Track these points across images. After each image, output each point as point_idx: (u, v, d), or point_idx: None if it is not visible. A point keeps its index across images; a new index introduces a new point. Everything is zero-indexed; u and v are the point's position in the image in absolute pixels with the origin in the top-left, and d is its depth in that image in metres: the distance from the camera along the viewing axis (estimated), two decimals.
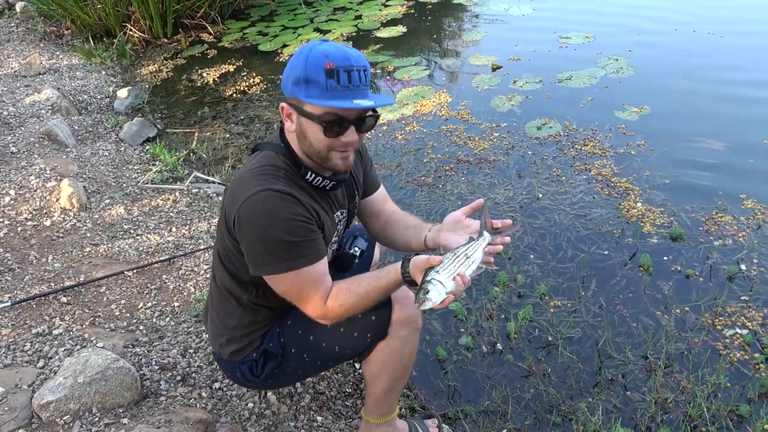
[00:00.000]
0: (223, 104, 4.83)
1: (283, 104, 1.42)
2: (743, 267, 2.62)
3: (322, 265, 1.44)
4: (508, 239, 1.43)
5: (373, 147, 3.93)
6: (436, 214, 3.18)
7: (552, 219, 3.06)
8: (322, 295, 1.44)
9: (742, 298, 2.47)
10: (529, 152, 3.66)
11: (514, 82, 4.58)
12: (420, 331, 1.62)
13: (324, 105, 1.33)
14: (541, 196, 3.24)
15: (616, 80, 4.43)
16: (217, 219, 3.12)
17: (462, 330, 2.48)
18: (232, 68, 5.49)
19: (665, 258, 2.73)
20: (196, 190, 3.46)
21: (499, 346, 2.40)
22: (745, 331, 2.31)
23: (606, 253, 2.81)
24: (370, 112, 1.42)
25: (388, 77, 5.03)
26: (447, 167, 3.60)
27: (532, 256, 2.84)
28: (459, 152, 3.73)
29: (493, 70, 4.87)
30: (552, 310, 2.53)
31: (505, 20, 5.94)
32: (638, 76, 4.46)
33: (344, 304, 1.44)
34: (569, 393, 2.18)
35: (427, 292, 1.28)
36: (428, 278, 1.29)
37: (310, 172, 1.47)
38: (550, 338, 2.40)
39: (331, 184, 1.52)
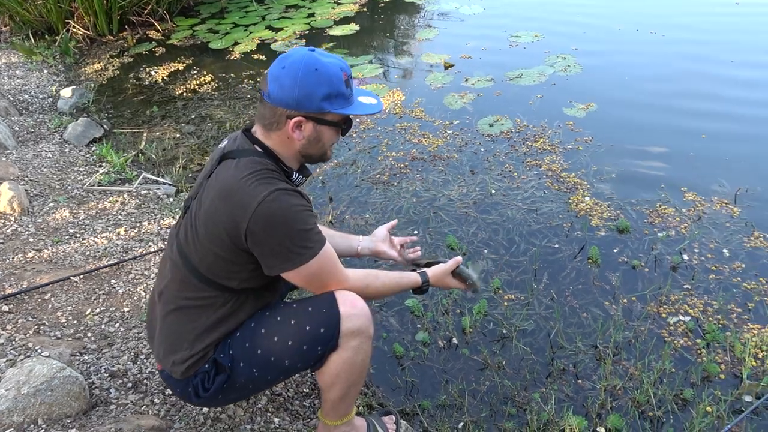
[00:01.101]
0: (172, 103, 4.72)
1: (298, 118, 1.47)
2: (685, 257, 2.73)
3: (330, 245, 1.54)
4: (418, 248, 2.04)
5: None
6: (391, 212, 3.19)
7: (505, 214, 3.12)
8: (341, 268, 1.55)
9: (684, 286, 2.58)
10: (482, 149, 3.72)
11: (467, 80, 4.64)
12: (372, 339, 1.59)
13: (355, 113, 1.51)
14: (494, 192, 3.29)
15: (564, 78, 4.55)
16: (168, 221, 3.05)
17: (418, 326, 2.50)
18: (181, 66, 5.37)
19: (613, 250, 2.81)
20: (146, 191, 3.37)
21: (455, 340, 2.43)
22: (687, 318, 2.41)
23: (557, 246, 2.88)
24: None
25: None
26: (402, 165, 3.61)
27: (486, 250, 2.88)
28: (413, 150, 3.76)
29: (446, 68, 4.92)
30: (506, 303, 2.57)
31: (457, 19, 6.01)
32: (585, 73, 4.59)
33: (369, 285, 1.60)
34: (523, 384, 2.22)
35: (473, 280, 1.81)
36: (468, 271, 1.81)
37: (293, 173, 1.55)
38: (504, 331, 2.44)
39: (304, 180, 1.61)
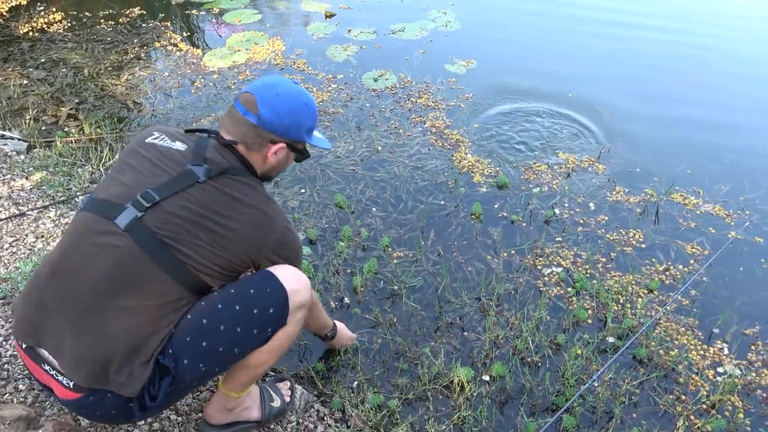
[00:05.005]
0: (16, 44, 4.12)
1: (281, 144, 1.56)
2: (557, 211, 2.92)
3: None
4: None
5: (204, 98, 3.66)
6: None
7: (392, 171, 3.13)
8: None
9: (557, 239, 2.77)
10: (368, 104, 3.68)
11: (349, 31, 4.53)
12: None
13: (323, 147, 1.71)
14: (380, 148, 3.28)
15: (444, 33, 4.59)
16: (22, 181, 2.70)
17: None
18: (24, 1, 4.69)
19: (494, 206, 2.94)
20: None
21: (346, 300, 2.43)
22: (559, 269, 2.61)
23: (442, 203, 2.95)
24: None
25: (214, 20, 4.67)
26: None
27: (374, 209, 2.89)
28: None
29: (327, 17, 4.76)
30: (395, 261, 2.61)
31: None
32: (464, 30, 4.67)
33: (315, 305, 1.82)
34: (414, 339, 2.29)
35: None
36: None
37: None
38: (394, 288, 2.48)
39: None
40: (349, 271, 2.56)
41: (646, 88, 4.04)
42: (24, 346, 1.43)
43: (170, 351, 1.40)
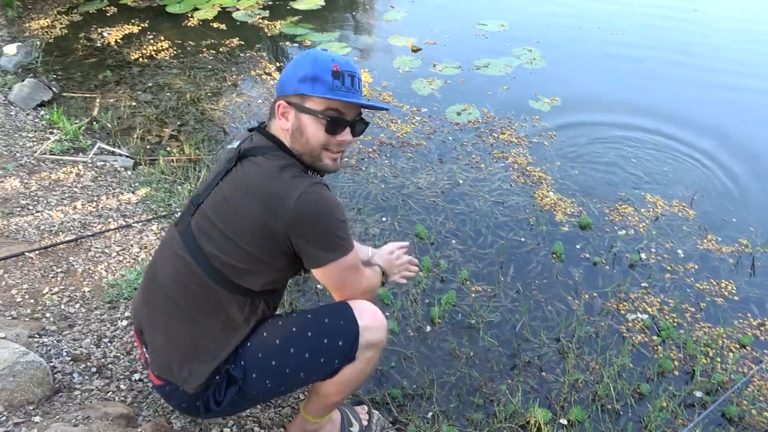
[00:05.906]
0: (127, 69, 4.48)
1: (280, 102, 1.45)
2: (643, 256, 2.85)
3: None
4: None
5: None
6: (359, 197, 3.17)
7: (472, 205, 3.15)
8: (362, 266, 1.56)
9: (642, 284, 2.69)
10: (450, 138, 3.73)
11: (434, 65, 4.63)
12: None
13: (331, 98, 1.41)
14: (461, 182, 3.32)
15: (529, 70, 4.61)
16: (128, 196, 2.92)
17: (387, 314, 2.51)
18: (136, 29, 5.10)
19: (576, 246, 2.90)
20: (102, 163, 3.20)
21: (423, 330, 2.45)
22: (645, 316, 2.53)
23: (522, 240, 2.94)
24: (361, 118, 1.51)
25: None
26: (370, 149, 3.58)
27: (453, 241, 2.92)
28: (382, 134, 3.73)
29: (413, 51, 4.89)
30: (473, 295, 2.62)
31: (422, 2, 5.98)
32: (549, 67, 4.67)
33: (372, 284, 1.61)
34: (490, 375, 2.28)
35: None
36: None
37: (310, 170, 1.49)
38: (472, 322, 2.49)
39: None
40: (427, 301, 2.58)
41: (743, 131, 3.88)
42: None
43: (242, 363, 1.49)
